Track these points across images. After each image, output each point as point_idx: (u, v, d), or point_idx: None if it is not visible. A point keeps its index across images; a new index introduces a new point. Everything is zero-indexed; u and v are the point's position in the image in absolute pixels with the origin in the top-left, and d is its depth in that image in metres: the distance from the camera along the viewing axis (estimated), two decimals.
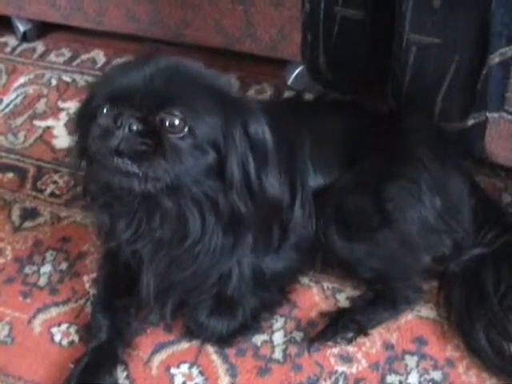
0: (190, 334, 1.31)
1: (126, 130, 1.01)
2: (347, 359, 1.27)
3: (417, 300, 1.33)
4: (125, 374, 1.26)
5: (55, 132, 1.83)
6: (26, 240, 1.53)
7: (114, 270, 1.32)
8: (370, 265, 1.30)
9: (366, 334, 1.29)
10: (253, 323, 1.30)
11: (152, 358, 1.29)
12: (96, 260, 1.45)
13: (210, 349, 1.29)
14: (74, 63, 2.08)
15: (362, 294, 1.36)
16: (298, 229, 1.28)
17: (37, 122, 1.87)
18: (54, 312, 1.38)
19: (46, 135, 1.82)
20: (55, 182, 1.67)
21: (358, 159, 1.32)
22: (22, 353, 1.31)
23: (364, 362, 1.26)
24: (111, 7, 1.92)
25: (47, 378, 1.27)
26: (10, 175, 1.71)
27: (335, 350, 1.28)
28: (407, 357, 1.27)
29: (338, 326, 1.29)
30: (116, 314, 1.29)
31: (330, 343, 1.29)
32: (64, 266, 1.47)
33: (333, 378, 1.24)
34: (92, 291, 1.40)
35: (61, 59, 2.10)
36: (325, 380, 1.24)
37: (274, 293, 1.33)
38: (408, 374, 1.24)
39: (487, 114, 1.36)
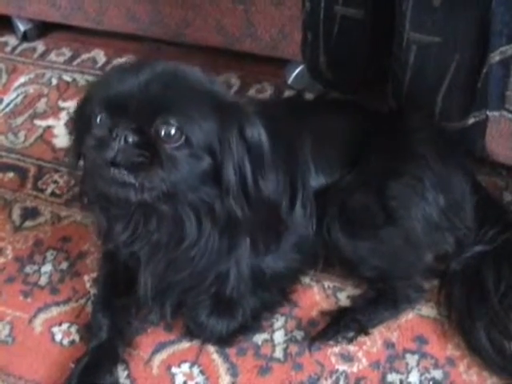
0: (189, 333, 1.31)
1: (122, 141, 1.00)
2: (348, 358, 1.27)
3: (418, 299, 1.33)
4: (126, 373, 1.26)
5: (56, 131, 1.83)
6: (27, 239, 1.53)
7: (114, 269, 1.32)
8: (373, 263, 1.30)
9: (366, 333, 1.29)
10: (253, 323, 1.30)
11: (153, 358, 1.29)
12: (96, 259, 1.45)
13: (211, 348, 1.29)
14: (75, 63, 2.08)
15: (362, 293, 1.36)
16: (299, 229, 1.28)
17: (37, 122, 1.87)
18: (54, 311, 1.38)
19: (46, 135, 1.82)
20: (56, 182, 1.67)
21: (360, 158, 1.32)
22: (23, 352, 1.31)
23: (365, 361, 1.26)
24: (111, 7, 1.93)
25: (48, 378, 1.27)
26: (11, 175, 1.71)
27: (336, 349, 1.28)
28: (408, 356, 1.27)
29: (339, 325, 1.29)
30: (116, 313, 1.29)
31: (330, 342, 1.28)
32: (64, 265, 1.47)
33: (334, 377, 1.24)
34: (92, 291, 1.39)
35: (61, 59, 2.10)
36: (326, 379, 1.24)
37: (274, 293, 1.32)
38: (409, 372, 1.24)
39: (488, 113, 1.36)
